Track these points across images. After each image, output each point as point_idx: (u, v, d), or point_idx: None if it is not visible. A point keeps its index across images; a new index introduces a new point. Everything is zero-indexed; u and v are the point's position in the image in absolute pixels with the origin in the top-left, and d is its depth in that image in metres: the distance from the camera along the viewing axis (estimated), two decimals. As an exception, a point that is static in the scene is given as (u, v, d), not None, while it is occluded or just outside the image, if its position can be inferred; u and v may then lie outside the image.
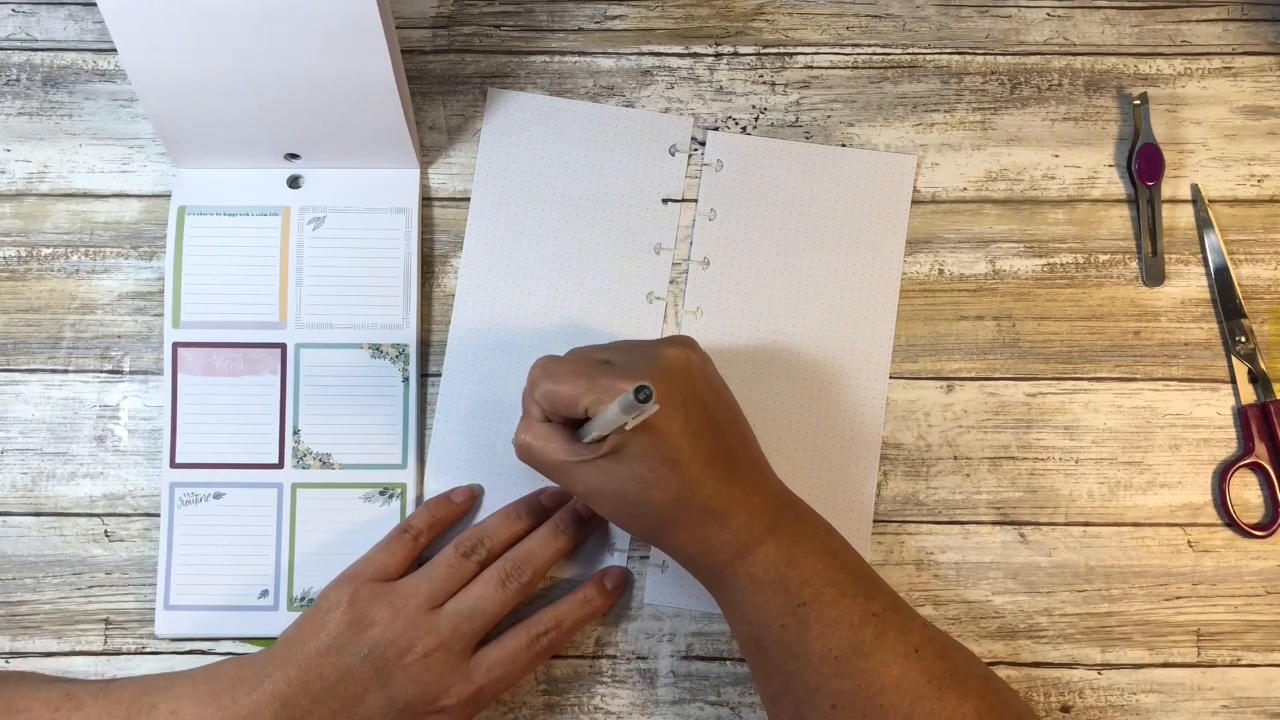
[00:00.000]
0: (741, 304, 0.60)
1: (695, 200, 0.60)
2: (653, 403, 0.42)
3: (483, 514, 0.58)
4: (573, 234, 0.60)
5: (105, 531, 0.58)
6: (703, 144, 0.61)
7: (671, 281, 0.60)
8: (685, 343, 0.52)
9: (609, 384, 0.48)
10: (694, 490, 0.49)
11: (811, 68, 0.62)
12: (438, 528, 0.56)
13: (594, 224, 0.60)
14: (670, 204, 0.60)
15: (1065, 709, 0.57)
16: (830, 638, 0.48)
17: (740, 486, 0.50)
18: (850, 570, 0.50)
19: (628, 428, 0.46)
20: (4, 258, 0.60)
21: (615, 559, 0.58)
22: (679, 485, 0.48)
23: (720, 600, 0.52)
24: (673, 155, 0.61)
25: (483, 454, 0.58)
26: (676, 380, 0.49)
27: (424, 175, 0.61)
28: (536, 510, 0.56)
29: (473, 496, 0.58)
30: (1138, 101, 0.61)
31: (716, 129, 0.61)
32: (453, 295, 0.60)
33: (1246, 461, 0.58)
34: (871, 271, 0.60)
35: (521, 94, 0.61)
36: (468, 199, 0.61)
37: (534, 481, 0.58)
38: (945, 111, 0.62)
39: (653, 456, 0.48)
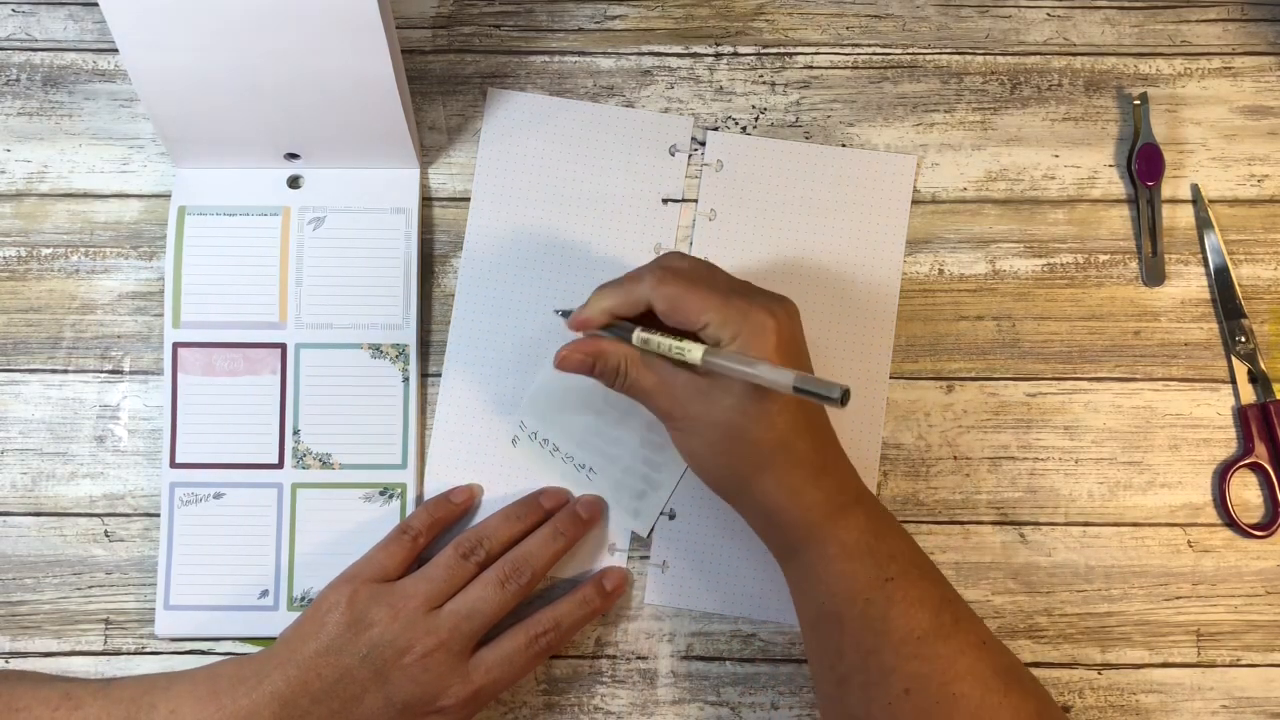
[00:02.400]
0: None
1: (695, 200, 0.60)
2: (844, 405, 0.43)
3: (482, 514, 0.58)
4: (572, 234, 0.60)
5: (105, 531, 0.58)
6: (703, 144, 0.61)
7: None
8: (794, 305, 0.51)
9: (744, 307, 0.48)
10: (797, 436, 0.48)
11: (811, 68, 0.62)
12: (437, 528, 0.56)
13: (594, 224, 0.60)
14: (670, 204, 0.60)
15: (1065, 709, 0.57)
16: (914, 617, 0.47)
17: (834, 450, 0.51)
18: (925, 554, 0.51)
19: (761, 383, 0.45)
20: (4, 258, 0.60)
21: (615, 560, 0.58)
22: (785, 427, 0.48)
23: (798, 571, 0.50)
24: (673, 155, 0.61)
25: (483, 454, 0.58)
26: (795, 329, 0.49)
27: (424, 175, 0.61)
28: (536, 511, 0.56)
29: (472, 496, 0.58)
30: (1138, 101, 0.61)
31: (716, 129, 0.61)
32: (453, 295, 0.60)
33: (1246, 461, 0.58)
34: (872, 272, 0.60)
35: (521, 94, 0.61)
36: (468, 199, 0.61)
37: (533, 482, 0.58)
38: (945, 111, 0.62)
39: (762, 393, 0.47)
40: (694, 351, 0.48)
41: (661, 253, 0.60)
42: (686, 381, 0.49)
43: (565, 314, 0.53)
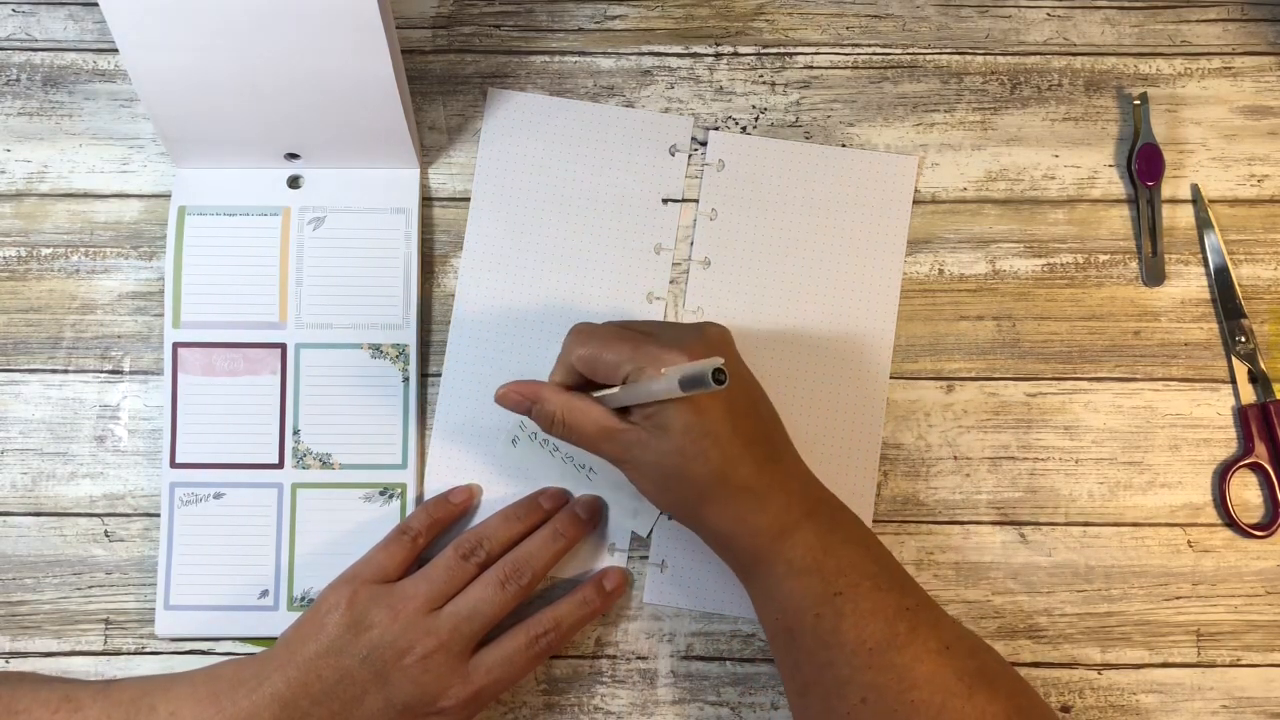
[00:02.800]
0: (742, 304, 0.60)
1: (696, 200, 0.60)
2: (727, 383, 0.43)
3: (482, 514, 0.58)
4: (573, 234, 0.60)
5: (105, 531, 0.58)
6: (703, 144, 0.61)
7: (672, 281, 0.60)
8: (721, 327, 0.53)
9: (655, 353, 0.49)
10: (734, 467, 0.49)
11: (811, 68, 0.62)
12: (436, 528, 0.56)
13: (594, 224, 0.60)
14: (670, 204, 0.60)
15: (1065, 709, 0.57)
16: (865, 629, 0.48)
17: (779, 470, 0.51)
18: (883, 563, 0.50)
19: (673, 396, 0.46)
20: (4, 258, 0.60)
21: (615, 560, 0.58)
22: (720, 460, 0.49)
23: (753, 588, 0.52)
24: (673, 155, 0.61)
25: (483, 454, 0.58)
26: (714, 350, 0.50)
27: (424, 175, 0.61)
28: (535, 512, 0.56)
29: (471, 496, 0.58)
30: (1138, 101, 0.61)
31: (716, 129, 0.61)
32: (453, 295, 0.60)
33: (1246, 461, 0.58)
34: (872, 272, 0.60)
35: (521, 94, 0.61)
36: (468, 199, 0.61)
37: (533, 482, 0.58)
38: (945, 111, 0.62)
39: (696, 430, 0.48)
40: (607, 399, 0.50)
41: (661, 254, 0.60)
42: (627, 429, 0.50)
43: None
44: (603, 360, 0.50)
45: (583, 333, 0.52)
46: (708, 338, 0.51)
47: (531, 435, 0.57)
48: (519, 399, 0.53)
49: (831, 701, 0.48)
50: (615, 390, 0.51)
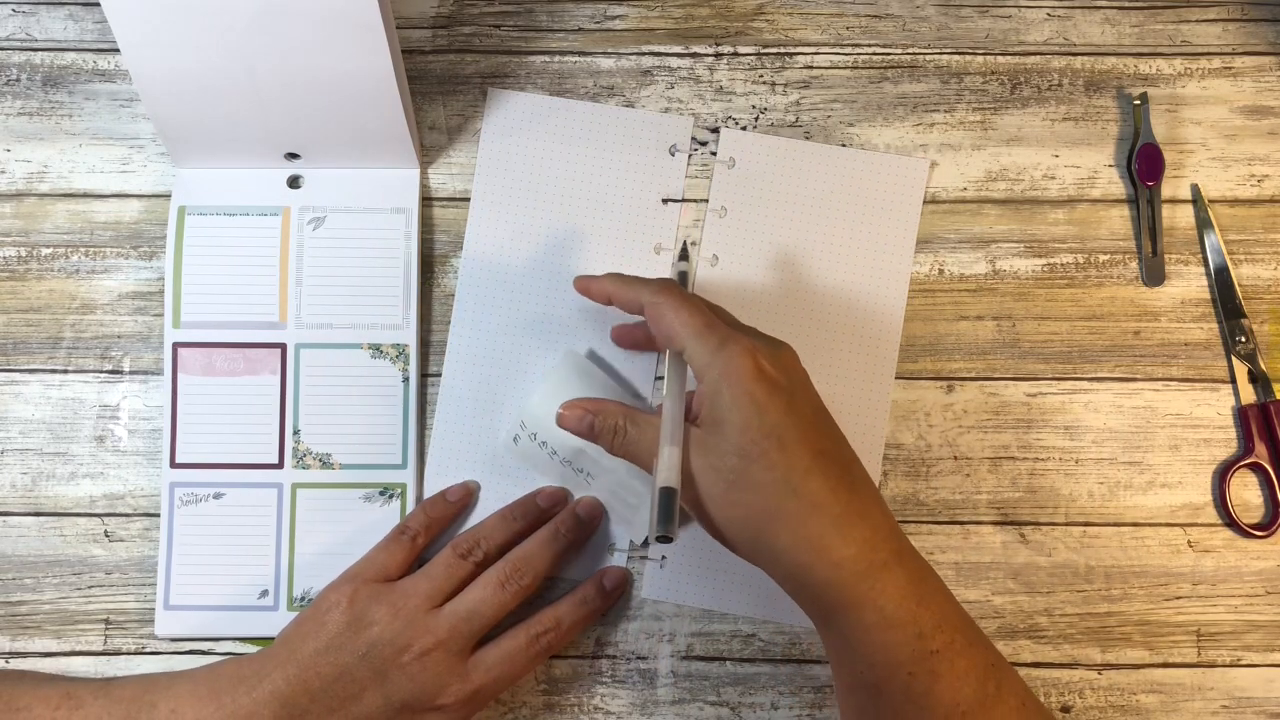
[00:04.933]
0: (749, 302, 0.60)
1: (695, 201, 0.60)
2: (666, 542, 0.43)
3: (481, 513, 0.58)
4: (572, 234, 0.60)
5: (105, 531, 0.58)
6: (703, 144, 0.61)
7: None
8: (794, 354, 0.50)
9: (723, 337, 0.47)
10: (804, 478, 0.44)
11: (811, 68, 0.62)
12: (435, 527, 0.56)
13: (594, 224, 0.60)
14: (670, 204, 0.60)
15: (1065, 709, 0.57)
16: (959, 691, 0.44)
17: (860, 497, 0.45)
18: (967, 615, 0.46)
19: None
20: (4, 258, 0.60)
21: (615, 559, 0.58)
22: (785, 465, 0.44)
23: (833, 637, 0.46)
24: (673, 155, 0.61)
25: (483, 454, 0.58)
26: (787, 365, 0.47)
27: (424, 175, 0.61)
28: (533, 512, 0.56)
29: (468, 493, 0.58)
30: (1138, 101, 0.61)
31: (716, 129, 0.61)
32: (453, 295, 0.60)
33: (1246, 461, 0.58)
34: (880, 274, 0.60)
35: (521, 94, 0.61)
36: (468, 199, 0.61)
37: (532, 480, 0.58)
38: (945, 111, 0.62)
39: (755, 429, 0.44)
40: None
41: (660, 254, 0.60)
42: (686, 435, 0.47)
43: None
44: (673, 320, 0.48)
45: (672, 286, 0.50)
46: (778, 358, 0.47)
47: (532, 435, 0.57)
48: (581, 415, 0.51)
49: None
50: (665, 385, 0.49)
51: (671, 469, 0.46)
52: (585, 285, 0.53)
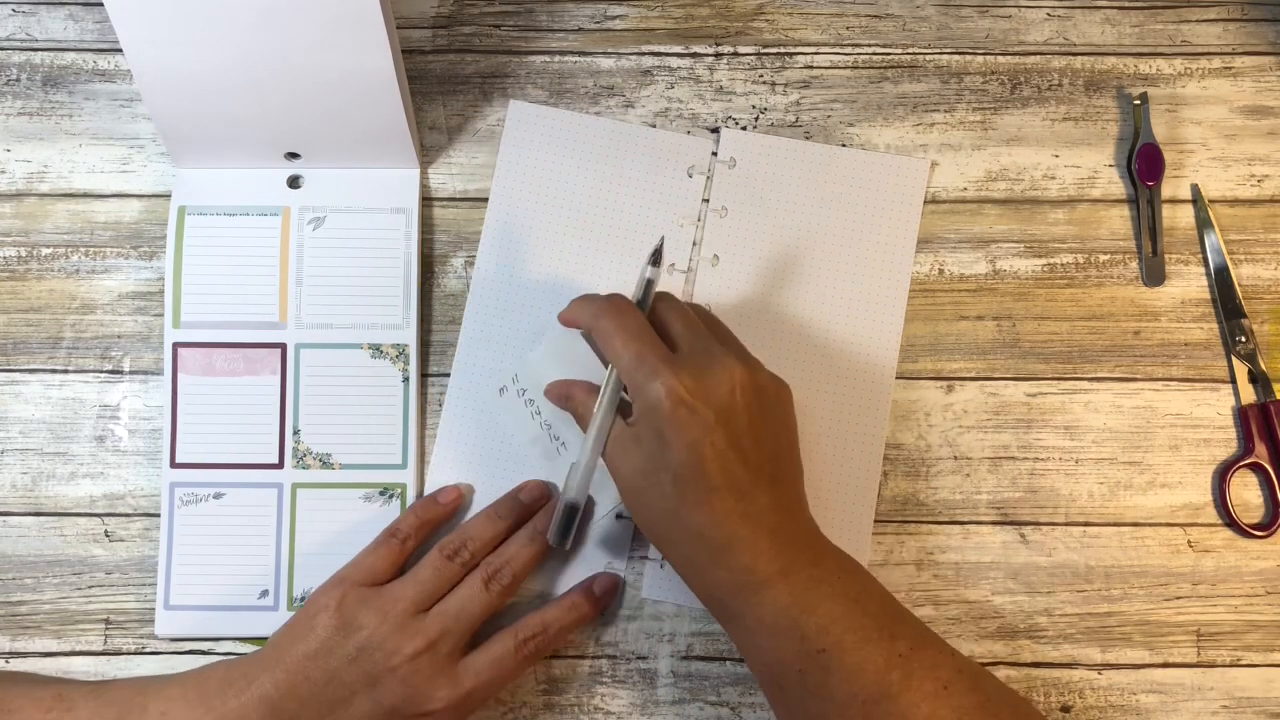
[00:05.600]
0: (750, 301, 0.59)
1: (709, 204, 0.60)
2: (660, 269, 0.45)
3: (475, 512, 0.58)
4: (586, 249, 0.60)
5: (105, 531, 0.58)
6: (712, 154, 0.61)
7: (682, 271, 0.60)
8: (756, 366, 0.52)
9: (654, 365, 0.49)
10: (692, 511, 0.48)
11: (811, 68, 0.62)
12: (425, 530, 0.56)
13: (608, 240, 0.60)
14: (686, 226, 0.60)
15: (1065, 709, 0.57)
16: (855, 682, 0.46)
17: (748, 526, 0.48)
18: (873, 614, 0.48)
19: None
20: (4, 258, 0.60)
21: (607, 566, 0.58)
22: (676, 499, 0.48)
23: (733, 638, 0.51)
24: (690, 177, 0.61)
25: (487, 454, 0.58)
26: (723, 392, 0.49)
27: (424, 175, 0.61)
28: (516, 508, 0.56)
29: (460, 497, 0.58)
30: (1138, 101, 0.61)
31: (716, 129, 0.61)
32: (452, 295, 0.60)
33: (1246, 461, 0.58)
34: (881, 274, 0.60)
35: (541, 108, 0.61)
36: (468, 199, 0.61)
37: (509, 438, 0.58)
38: (945, 111, 0.62)
39: (658, 461, 0.48)
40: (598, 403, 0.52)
41: (674, 275, 0.60)
42: (620, 431, 0.51)
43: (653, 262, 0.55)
44: (612, 346, 0.51)
45: (617, 307, 0.52)
46: (724, 372, 0.49)
47: (520, 390, 0.57)
48: (558, 393, 0.55)
49: None
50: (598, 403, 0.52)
51: (579, 487, 0.53)
52: (562, 317, 0.55)
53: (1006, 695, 0.49)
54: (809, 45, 0.62)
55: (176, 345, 0.58)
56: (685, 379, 0.49)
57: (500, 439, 0.58)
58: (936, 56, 0.62)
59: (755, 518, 0.49)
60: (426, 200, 0.61)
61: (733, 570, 0.48)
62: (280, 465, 0.58)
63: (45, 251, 0.60)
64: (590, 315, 0.52)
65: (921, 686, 0.47)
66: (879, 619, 0.48)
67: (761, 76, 0.62)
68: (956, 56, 0.62)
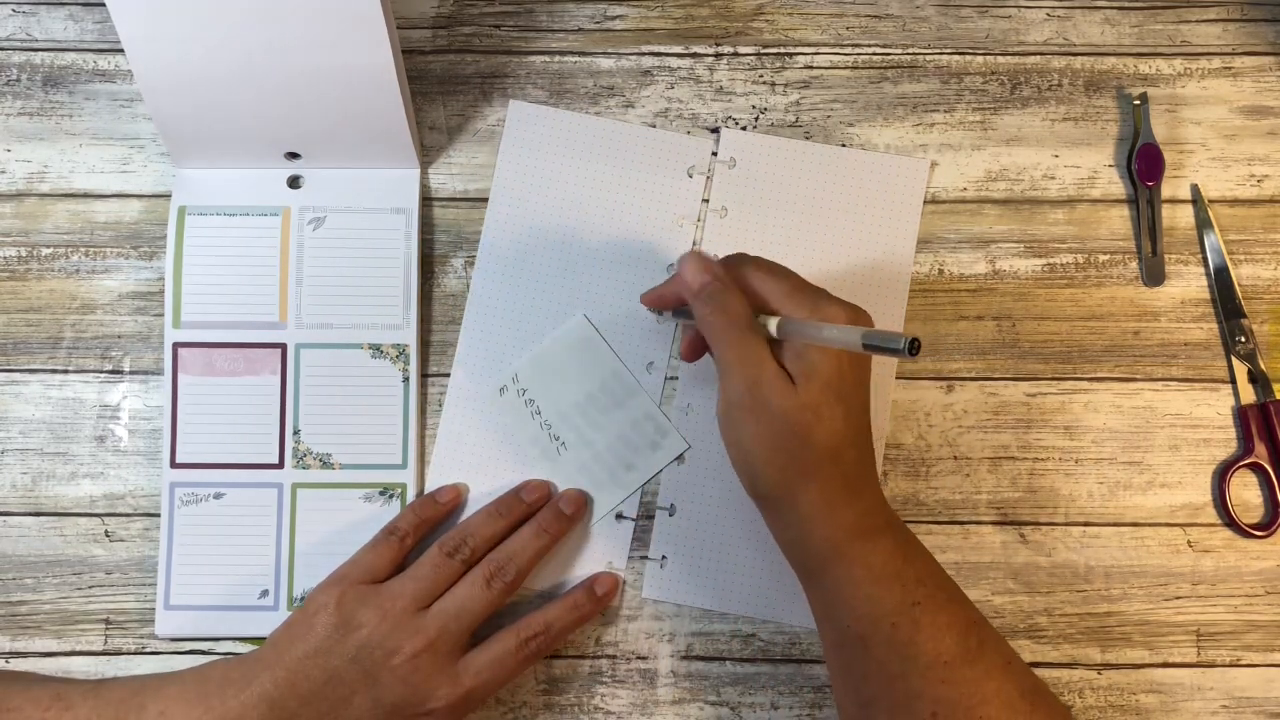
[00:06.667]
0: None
1: (710, 205, 0.60)
2: (917, 354, 0.40)
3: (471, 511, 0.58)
4: (587, 248, 0.60)
5: (105, 531, 0.58)
6: (713, 154, 0.61)
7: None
8: (853, 309, 0.50)
9: (825, 299, 0.48)
10: (848, 446, 0.48)
11: (811, 68, 0.62)
12: (423, 528, 0.56)
13: (609, 239, 0.60)
14: (685, 224, 0.60)
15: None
16: (941, 642, 0.47)
17: (873, 469, 0.50)
18: (952, 580, 0.50)
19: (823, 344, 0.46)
20: (4, 258, 0.60)
21: (617, 563, 0.58)
22: (843, 430, 0.47)
23: (820, 592, 0.49)
24: (690, 177, 0.61)
25: (487, 454, 0.58)
26: (835, 365, 0.48)
27: (424, 175, 0.61)
28: (517, 507, 0.56)
29: (458, 496, 0.58)
30: (1138, 101, 0.61)
31: (717, 129, 0.61)
32: (452, 295, 0.60)
33: (1246, 461, 0.58)
34: (881, 274, 0.60)
35: (541, 108, 0.61)
36: (468, 199, 0.61)
37: (508, 439, 0.58)
38: (945, 111, 0.62)
39: (835, 389, 0.47)
40: (772, 322, 0.48)
41: (672, 273, 0.60)
42: (775, 370, 0.47)
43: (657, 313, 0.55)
44: (773, 287, 0.49)
45: (756, 260, 0.50)
46: (862, 315, 0.49)
47: (520, 391, 0.57)
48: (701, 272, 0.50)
49: (898, 715, 0.47)
50: (772, 320, 0.48)
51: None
52: (650, 299, 0.54)
53: (1048, 689, 0.49)
54: (809, 45, 0.62)
55: (177, 345, 0.58)
56: (853, 309, 0.48)
57: (500, 439, 0.58)
58: (936, 56, 0.62)
59: (871, 459, 0.50)
60: (426, 200, 0.61)
61: (860, 511, 0.48)
62: (280, 465, 0.58)
63: (45, 251, 0.60)
64: (731, 268, 0.50)
65: (993, 658, 0.47)
66: (955, 583, 0.50)
67: (761, 76, 0.62)
68: (956, 56, 0.62)
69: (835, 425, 0.47)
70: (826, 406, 0.47)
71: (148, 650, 0.57)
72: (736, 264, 0.51)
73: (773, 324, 0.48)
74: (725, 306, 0.49)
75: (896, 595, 0.47)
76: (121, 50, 0.61)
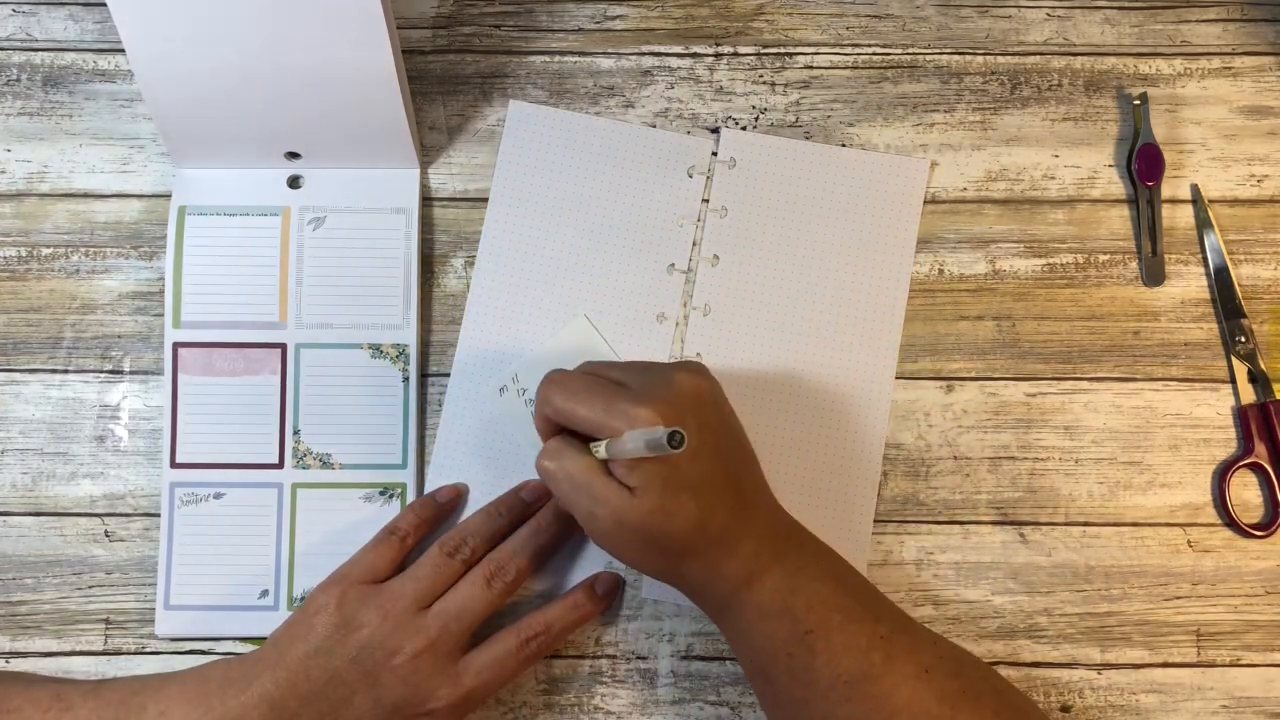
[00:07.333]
0: (749, 302, 0.59)
1: (711, 206, 0.60)
2: (684, 447, 0.42)
3: (471, 512, 0.58)
4: (587, 249, 0.60)
5: (105, 531, 0.58)
6: (713, 154, 0.61)
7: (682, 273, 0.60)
8: (696, 369, 0.51)
9: (626, 409, 0.47)
10: (710, 517, 0.48)
11: (811, 68, 0.62)
12: (424, 528, 0.56)
13: (609, 241, 0.60)
14: (685, 225, 0.60)
15: (1065, 709, 0.57)
16: (838, 664, 0.47)
17: (748, 513, 0.50)
18: (855, 594, 0.50)
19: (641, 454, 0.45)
20: (4, 258, 0.60)
21: (608, 566, 0.58)
22: (697, 513, 0.48)
23: (726, 631, 0.51)
24: (691, 177, 0.61)
25: (487, 454, 0.58)
26: (689, 408, 0.49)
27: (424, 175, 0.61)
28: (517, 507, 0.56)
29: (458, 495, 0.58)
30: (1138, 101, 0.61)
31: (717, 129, 0.61)
32: (452, 295, 0.60)
33: (1246, 461, 0.58)
34: (881, 274, 0.60)
35: (541, 108, 0.61)
36: (467, 199, 0.61)
37: (509, 438, 0.58)
38: (945, 111, 0.62)
39: (674, 486, 0.47)
40: (600, 448, 0.49)
41: (674, 274, 0.60)
42: (615, 492, 0.48)
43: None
44: (577, 416, 0.48)
45: (555, 383, 0.50)
46: (674, 386, 0.49)
47: (520, 391, 0.57)
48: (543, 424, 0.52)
49: None
50: (600, 444, 0.49)
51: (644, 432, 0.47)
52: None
53: (991, 681, 0.49)
54: (809, 45, 0.62)
55: (176, 345, 0.58)
56: (660, 404, 0.47)
57: (500, 439, 0.58)
58: (936, 56, 0.62)
59: (751, 507, 0.50)
60: (426, 200, 0.61)
61: (742, 559, 0.49)
62: (280, 465, 0.58)
63: (45, 251, 0.60)
64: (539, 411, 0.50)
65: (903, 669, 0.48)
66: (861, 600, 0.50)
67: (761, 76, 0.62)
68: (956, 56, 0.62)
69: (688, 514, 0.48)
70: (671, 502, 0.47)
71: (148, 650, 0.57)
72: (542, 400, 0.50)
73: (601, 449, 0.49)
74: (557, 471, 0.49)
75: (787, 628, 0.48)
76: (121, 50, 0.61)
